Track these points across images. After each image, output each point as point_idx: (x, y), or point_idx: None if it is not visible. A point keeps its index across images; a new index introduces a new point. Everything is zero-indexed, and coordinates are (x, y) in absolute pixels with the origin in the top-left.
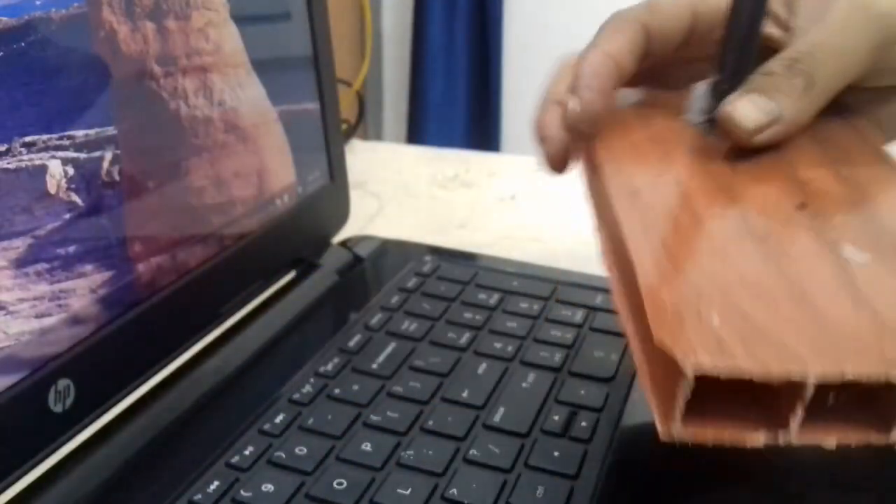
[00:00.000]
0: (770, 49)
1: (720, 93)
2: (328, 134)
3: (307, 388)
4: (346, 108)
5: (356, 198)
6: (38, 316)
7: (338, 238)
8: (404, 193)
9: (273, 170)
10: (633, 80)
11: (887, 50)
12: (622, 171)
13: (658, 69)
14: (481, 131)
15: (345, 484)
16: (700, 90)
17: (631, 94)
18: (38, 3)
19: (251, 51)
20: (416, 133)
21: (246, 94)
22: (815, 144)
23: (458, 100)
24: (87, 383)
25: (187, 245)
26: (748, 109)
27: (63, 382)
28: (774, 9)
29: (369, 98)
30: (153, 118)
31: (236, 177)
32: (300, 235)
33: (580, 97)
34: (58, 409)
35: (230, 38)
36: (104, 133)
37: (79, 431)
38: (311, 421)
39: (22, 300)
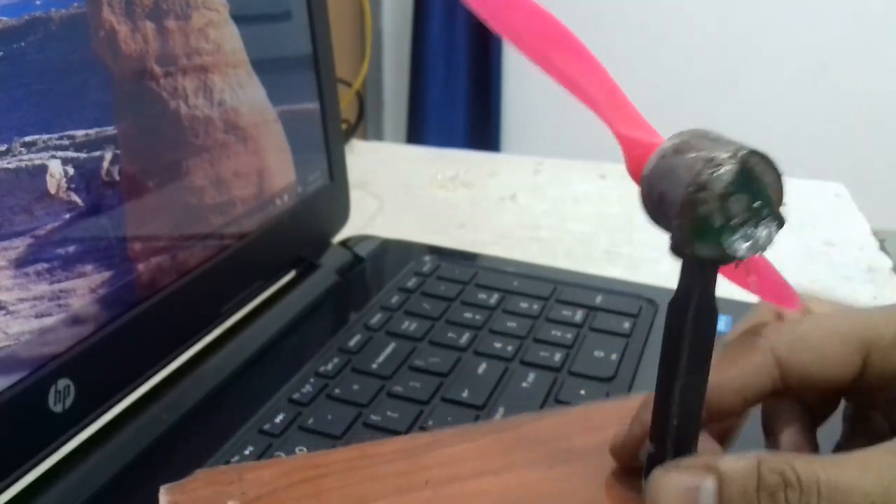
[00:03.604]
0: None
1: (649, 457)
2: (328, 134)
3: (307, 388)
4: (346, 108)
5: (356, 198)
6: (38, 316)
7: (338, 238)
8: (404, 193)
9: (273, 170)
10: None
11: None
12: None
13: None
14: (481, 131)
15: None
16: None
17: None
18: (38, 3)
19: (251, 51)
20: (416, 133)
21: (246, 94)
22: None
23: (458, 100)
24: (87, 383)
25: (187, 245)
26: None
27: (63, 382)
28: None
29: (369, 98)
30: (153, 118)
31: (236, 177)
32: (300, 235)
33: (624, 431)
34: (58, 409)
35: (230, 38)
36: (104, 133)
37: (79, 431)
38: (311, 421)
39: (22, 300)
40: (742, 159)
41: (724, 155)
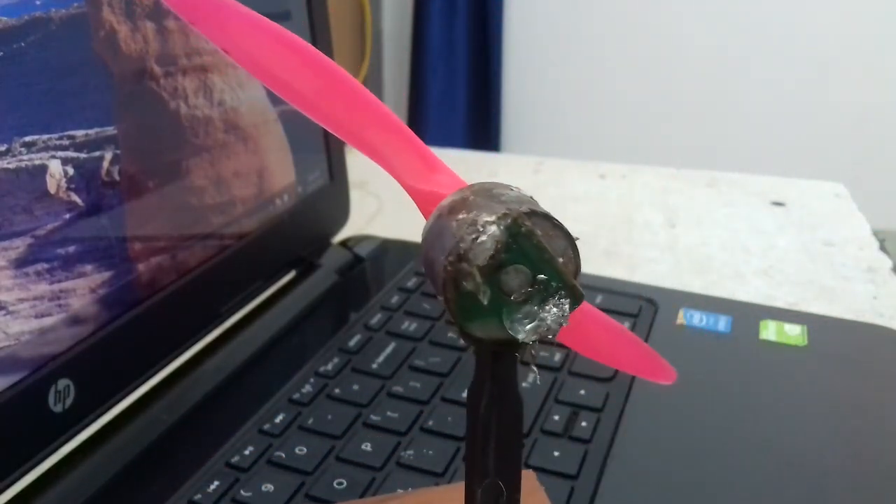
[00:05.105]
0: None
1: None
2: (328, 134)
3: (307, 388)
4: None
5: (356, 198)
6: (38, 316)
7: (338, 238)
8: (404, 193)
9: (273, 170)
10: None
11: None
12: None
13: None
14: (481, 131)
15: (345, 484)
16: None
17: None
18: (38, 3)
19: None
20: (416, 133)
21: (246, 94)
22: None
23: (458, 100)
24: (87, 383)
25: (187, 245)
26: None
27: (63, 382)
28: None
29: None
30: (153, 118)
31: (236, 176)
32: (300, 235)
33: None
34: (58, 409)
35: None
36: (104, 133)
37: (79, 431)
38: (311, 421)
39: (22, 300)
40: (512, 224)
41: (489, 218)
